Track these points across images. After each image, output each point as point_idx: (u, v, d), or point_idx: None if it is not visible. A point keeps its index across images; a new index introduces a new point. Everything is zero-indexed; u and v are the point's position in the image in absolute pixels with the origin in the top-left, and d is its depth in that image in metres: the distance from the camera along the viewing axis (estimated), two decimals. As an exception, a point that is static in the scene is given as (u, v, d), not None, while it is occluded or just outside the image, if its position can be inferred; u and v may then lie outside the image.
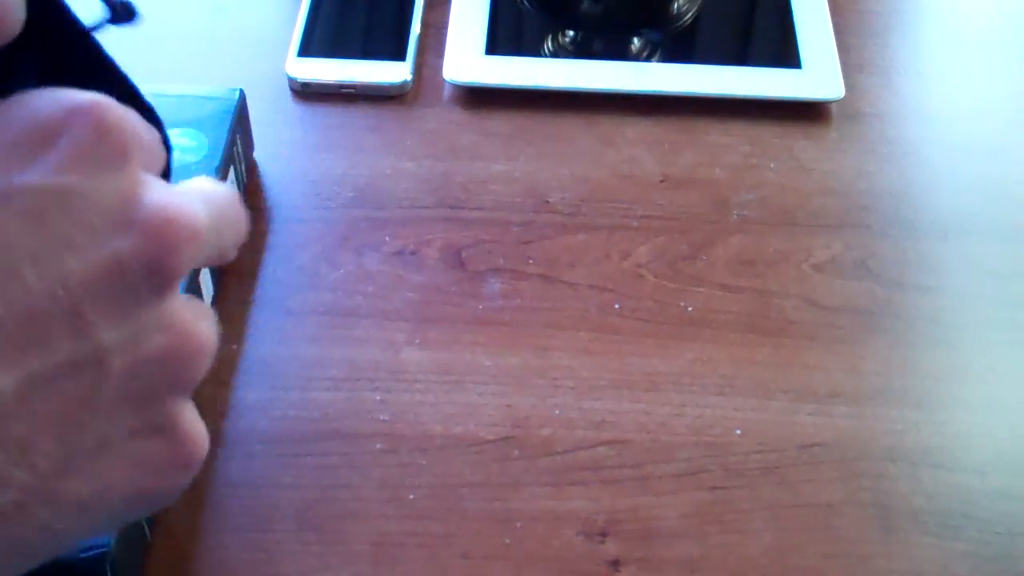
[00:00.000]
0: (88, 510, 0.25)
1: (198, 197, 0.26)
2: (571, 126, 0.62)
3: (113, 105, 0.24)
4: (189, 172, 0.52)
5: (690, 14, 0.68)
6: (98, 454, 0.25)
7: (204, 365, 0.26)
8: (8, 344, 0.22)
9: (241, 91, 0.57)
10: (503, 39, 0.66)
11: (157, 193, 0.24)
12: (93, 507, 0.25)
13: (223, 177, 0.53)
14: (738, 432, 0.49)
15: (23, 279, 0.22)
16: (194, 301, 0.26)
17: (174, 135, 0.54)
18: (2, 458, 0.22)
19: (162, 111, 0.60)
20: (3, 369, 0.22)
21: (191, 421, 0.27)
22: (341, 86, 0.63)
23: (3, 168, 0.23)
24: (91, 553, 0.40)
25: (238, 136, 0.56)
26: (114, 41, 0.65)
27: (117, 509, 0.26)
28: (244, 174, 0.58)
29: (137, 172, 0.24)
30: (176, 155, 0.57)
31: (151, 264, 0.24)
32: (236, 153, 0.56)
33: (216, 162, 0.53)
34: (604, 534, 0.45)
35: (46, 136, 0.23)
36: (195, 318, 0.26)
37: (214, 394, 0.50)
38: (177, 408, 0.26)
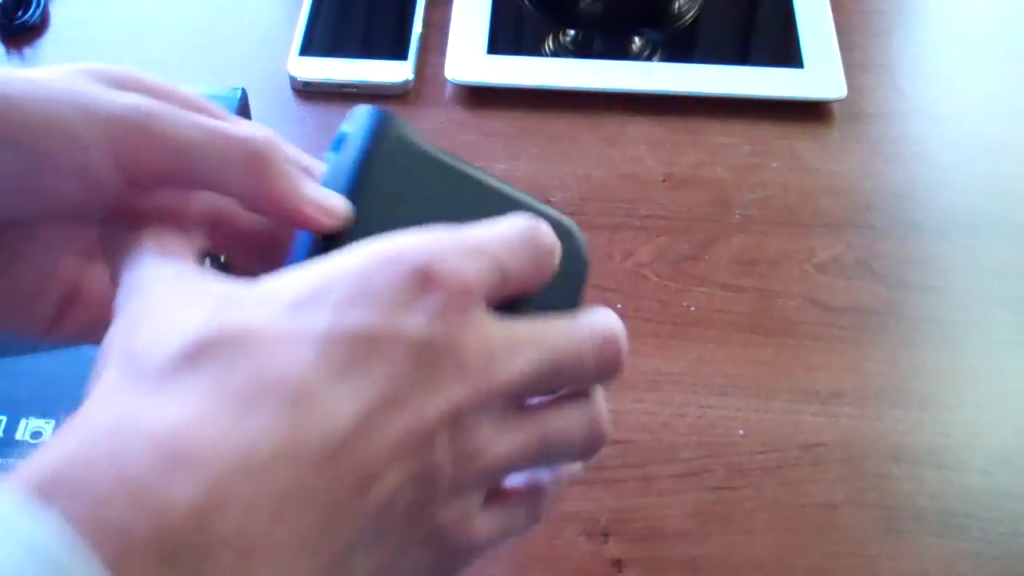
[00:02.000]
0: None
1: (497, 270, 0.30)
2: (573, 126, 0.62)
3: (461, 273, 0.29)
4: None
5: (691, 13, 0.68)
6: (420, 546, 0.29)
7: (487, 477, 0.30)
8: (388, 457, 0.27)
9: (243, 90, 0.57)
10: (505, 39, 0.66)
11: (482, 344, 0.29)
12: None
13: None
14: (741, 432, 0.49)
15: (405, 410, 0.27)
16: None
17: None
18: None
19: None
20: (386, 476, 0.27)
21: (483, 520, 0.31)
22: (343, 85, 0.63)
23: (391, 309, 0.28)
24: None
25: (239, 135, 0.56)
26: (116, 41, 0.65)
27: None
28: (245, 173, 0.57)
29: (473, 321, 0.29)
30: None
31: (474, 404, 0.29)
32: (237, 152, 0.56)
33: (217, 161, 0.53)
34: (606, 534, 0.45)
35: (417, 288, 0.28)
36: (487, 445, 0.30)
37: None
38: (457, 516, 0.30)
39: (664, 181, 0.59)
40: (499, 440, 0.30)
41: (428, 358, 0.28)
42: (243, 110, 0.57)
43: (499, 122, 0.62)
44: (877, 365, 0.51)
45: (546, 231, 0.33)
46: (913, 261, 0.56)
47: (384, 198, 0.32)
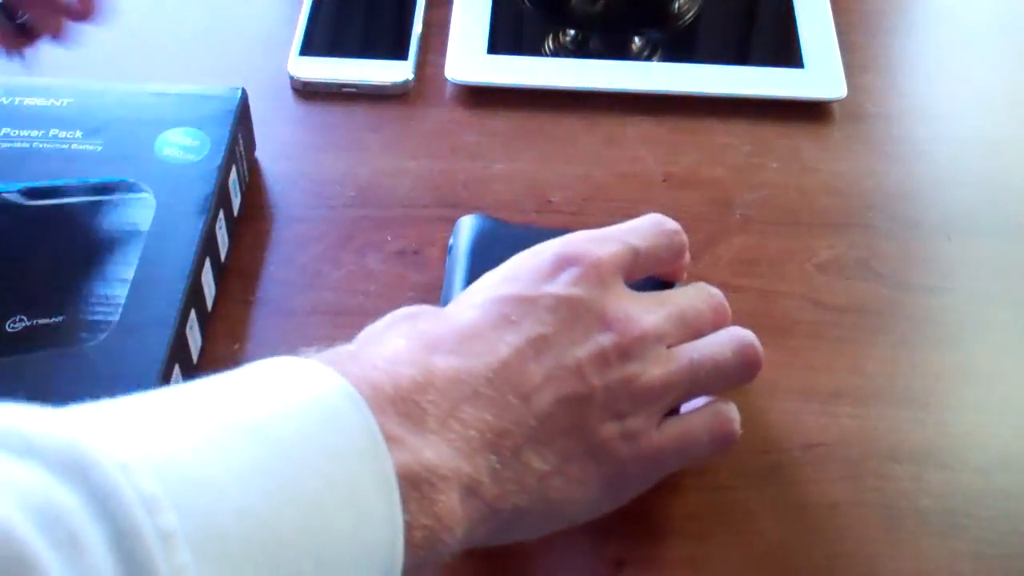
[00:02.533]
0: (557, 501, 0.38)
1: (630, 254, 0.42)
2: (573, 125, 0.62)
3: (593, 252, 0.40)
4: (191, 171, 0.52)
5: (691, 13, 0.68)
6: (582, 458, 0.38)
7: (647, 400, 0.40)
8: (542, 379, 0.37)
9: (243, 90, 0.57)
10: (505, 38, 0.66)
11: (619, 304, 0.40)
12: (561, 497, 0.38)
13: (225, 176, 0.53)
14: (740, 432, 0.49)
15: (553, 349, 0.38)
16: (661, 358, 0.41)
17: (176, 133, 0.54)
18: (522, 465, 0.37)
19: (163, 110, 0.60)
20: (541, 393, 0.37)
21: (657, 435, 0.40)
22: (343, 85, 0.63)
23: (535, 282, 0.39)
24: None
25: (240, 135, 0.56)
26: (115, 40, 0.65)
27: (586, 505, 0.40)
28: (246, 173, 0.57)
29: (610, 288, 0.40)
30: (178, 154, 0.57)
31: (620, 349, 0.39)
32: (238, 152, 0.56)
33: (218, 161, 0.53)
34: (607, 534, 0.45)
35: (556, 268, 0.40)
36: (648, 370, 0.40)
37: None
38: (644, 424, 0.40)
39: (664, 181, 0.59)
40: (650, 368, 0.39)
41: (569, 312, 0.38)
42: (243, 110, 0.57)
43: (499, 122, 0.62)
44: (878, 365, 0.51)
45: (669, 219, 0.44)
46: (914, 261, 0.56)
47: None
